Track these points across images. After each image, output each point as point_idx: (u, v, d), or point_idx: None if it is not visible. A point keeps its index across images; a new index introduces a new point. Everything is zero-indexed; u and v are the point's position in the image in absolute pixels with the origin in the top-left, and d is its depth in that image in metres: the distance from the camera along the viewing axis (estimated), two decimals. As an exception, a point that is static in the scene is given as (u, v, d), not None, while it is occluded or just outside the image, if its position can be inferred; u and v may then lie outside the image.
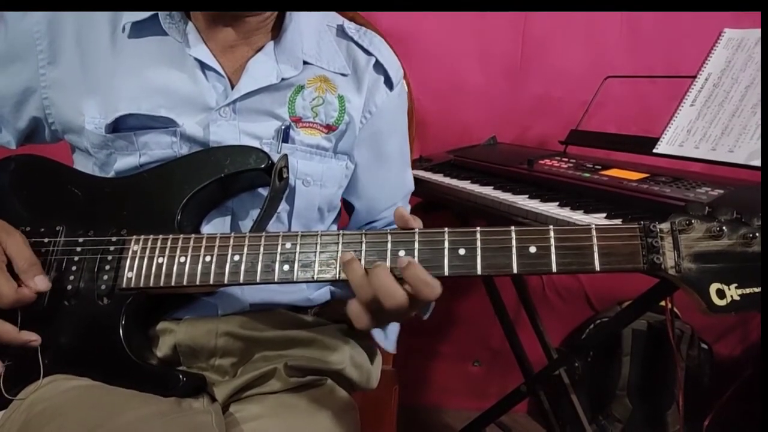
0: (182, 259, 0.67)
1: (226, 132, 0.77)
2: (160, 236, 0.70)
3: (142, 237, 0.70)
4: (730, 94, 1.06)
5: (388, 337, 0.88)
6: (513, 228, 0.60)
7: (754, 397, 1.44)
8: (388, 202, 0.95)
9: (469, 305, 1.80)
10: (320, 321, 0.85)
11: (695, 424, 1.53)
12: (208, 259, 0.66)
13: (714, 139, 1.04)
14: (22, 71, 0.78)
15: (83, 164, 0.82)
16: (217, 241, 0.67)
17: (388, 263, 0.61)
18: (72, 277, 0.71)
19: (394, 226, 0.64)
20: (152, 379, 0.70)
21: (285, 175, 0.76)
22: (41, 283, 0.67)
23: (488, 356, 1.88)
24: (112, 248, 0.71)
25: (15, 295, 0.65)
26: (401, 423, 1.03)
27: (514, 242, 0.59)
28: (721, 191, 0.95)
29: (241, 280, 0.65)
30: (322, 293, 0.86)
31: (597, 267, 0.57)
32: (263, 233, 0.66)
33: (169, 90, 0.77)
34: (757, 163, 0.95)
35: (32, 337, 0.68)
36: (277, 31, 0.81)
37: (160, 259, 0.68)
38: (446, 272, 0.60)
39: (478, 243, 0.60)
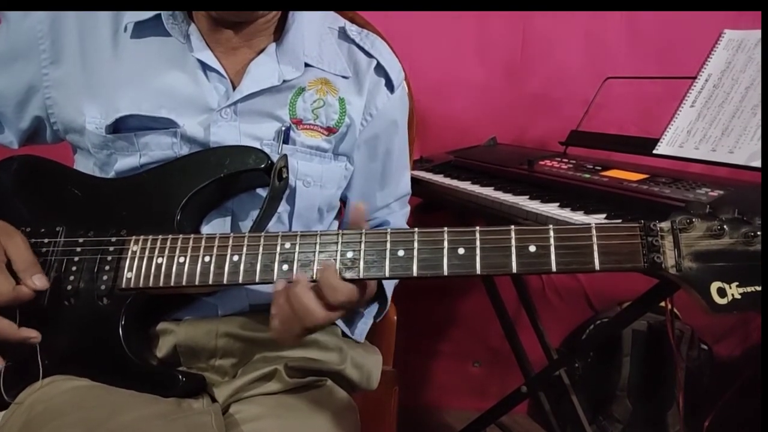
0: (181, 259, 0.67)
1: (227, 133, 0.77)
2: (160, 236, 0.70)
3: (142, 237, 0.70)
4: (731, 95, 1.06)
5: (356, 331, 0.88)
6: (512, 227, 0.60)
7: (754, 397, 1.44)
8: (382, 203, 0.95)
9: (469, 305, 1.79)
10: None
11: (695, 424, 1.52)
12: (207, 259, 0.66)
13: (714, 140, 1.04)
14: (24, 70, 0.78)
15: (84, 164, 0.82)
16: (216, 241, 0.67)
17: (387, 263, 0.61)
18: (72, 278, 0.71)
19: (386, 227, 0.64)
20: (152, 380, 0.70)
21: (284, 175, 0.76)
22: (39, 281, 0.68)
23: (488, 356, 1.88)
24: (111, 248, 0.71)
25: (12, 292, 0.66)
26: (401, 423, 1.03)
27: (513, 242, 0.59)
28: (721, 192, 0.95)
29: (240, 280, 0.65)
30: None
31: (597, 266, 0.57)
32: (262, 233, 0.67)
33: (171, 91, 0.77)
34: (758, 164, 0.95)
35: (32, 334, 0.68)
36: (279, 33, 0.81)
37: (160, 260, 0.68)
38: (445, 272, 0.60)
39: (478, 242, 0.60)
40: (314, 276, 0.63)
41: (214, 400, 0.74)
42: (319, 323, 0.63)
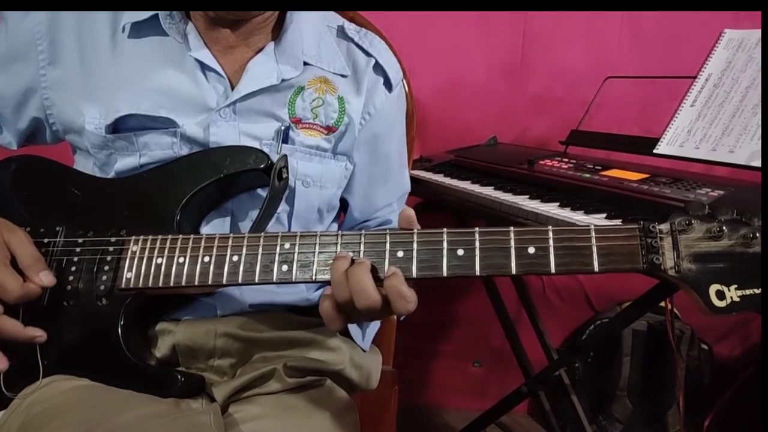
0: (181, 260, 0.67)
1: (226, 133, 0.77)
2: (159, 237, 0.69)
3: (141, 237, 0.70)
4: (731, 95, 1.06)
5: (365, 338, 0.87)
6: (512, 228, 0.60)
7: (754, 397, 1.44)
8: (384, 202, 0.95)
9: (470, 305, 1.80)
10: (319, 321, 0.84)
11: (695, 424, 1.53)
12: (206, 259, 0.66)
13: (714, 139, 1.04)
14: (23, 71, 0.78)
15: (84, 164, 0.82)
16: (216, 241, 0.67)
17: (386, 264, 0.61)
18: (71, 278, 0.70)
19: (387, 227, 0.64)
20: (151, 380, 0.69)
21: (284, 175, 0.75)
22: (46, 277, 0.67)
23: (488, 356, 1.88)
24: (111, 249, 0.71)
25: (21, 289, 0.65)
26: (401, 423, 1.03)
27: (512, 243, 0.59)
28: (722, 192, 0.95)
29: (240, 281, 0.65)
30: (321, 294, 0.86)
31: (596, 267, 0.57)
32: (262, 233, 0.66)
33: (170, 90, 0.77)
34: (758, 163, 0.95)
35: (37, 333, 0.67)
36: (277, 32, 0.81)
37: (159, 260, 0.68)
38: (445, 273, 0.60)
39: (477, 243, 0.60)
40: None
41: (212, 400, 0.74)
42: (371, 305, 0.58)
